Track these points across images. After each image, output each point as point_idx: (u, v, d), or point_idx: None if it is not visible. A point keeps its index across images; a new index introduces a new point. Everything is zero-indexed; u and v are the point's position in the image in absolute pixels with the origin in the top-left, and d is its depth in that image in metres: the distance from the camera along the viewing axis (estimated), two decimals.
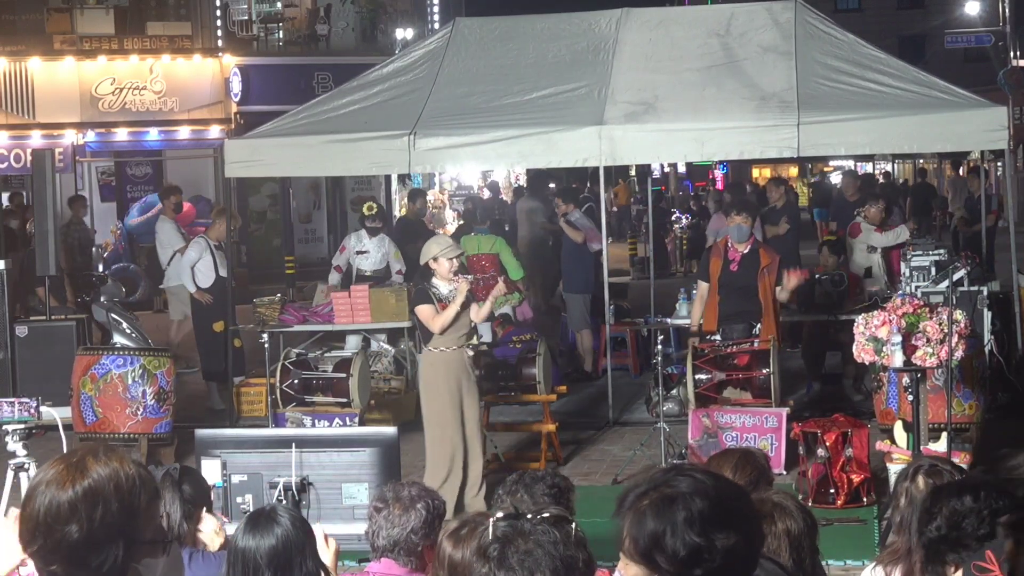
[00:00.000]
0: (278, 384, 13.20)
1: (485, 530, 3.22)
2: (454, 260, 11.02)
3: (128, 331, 13.29)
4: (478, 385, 11.32)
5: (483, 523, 4.67)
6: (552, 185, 28.63)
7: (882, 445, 10.71)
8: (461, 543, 4.58)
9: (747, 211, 13.24)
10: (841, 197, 20.11)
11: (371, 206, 16.60)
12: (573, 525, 3.17)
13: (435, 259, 11.06)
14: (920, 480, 5.19)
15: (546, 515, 3.18)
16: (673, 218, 29.93)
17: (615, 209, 37.62)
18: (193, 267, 15.60)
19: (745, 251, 12.87)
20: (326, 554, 4.70)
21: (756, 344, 12.60)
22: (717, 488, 3.10)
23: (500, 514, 3.23)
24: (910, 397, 10.03)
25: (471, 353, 11.21)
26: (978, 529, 4.35)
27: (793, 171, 47.04)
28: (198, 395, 16.03)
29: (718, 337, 12.85)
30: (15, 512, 3.37)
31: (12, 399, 8.32)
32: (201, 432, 10.56)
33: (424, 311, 11.03)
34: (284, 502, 9.71)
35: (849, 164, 49.66)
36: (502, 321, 15.35)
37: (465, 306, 11.01)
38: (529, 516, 3.17)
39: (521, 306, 16.45)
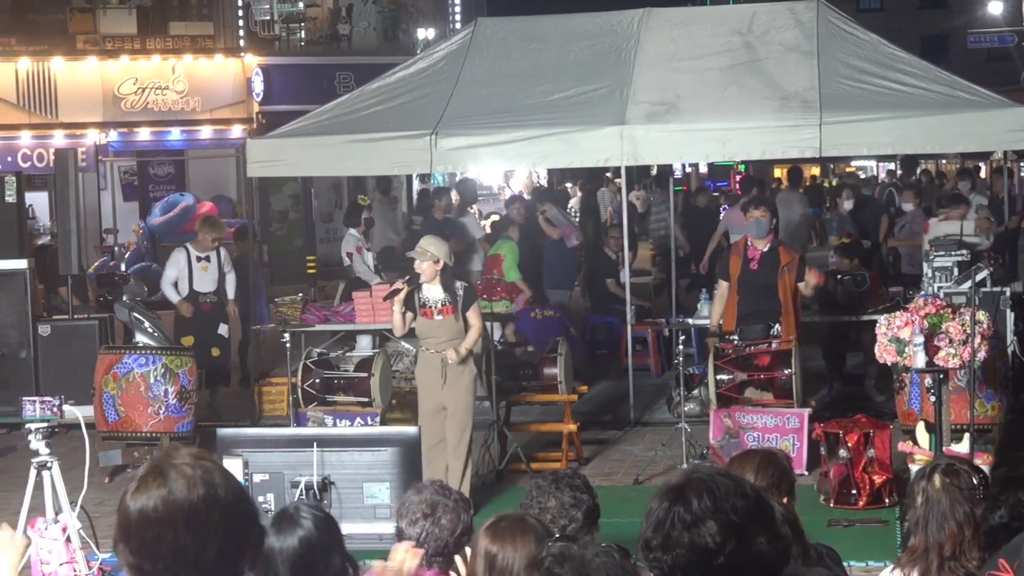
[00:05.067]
0: (299, 383, 13.21)
1: (540, 553, 3.20)
2: (416, 262, 11.06)
3: (150, 330, 13.31)
4: (467, 392, 11.07)
5: (522, 520, 4.66)
6: (568, 185, 28.55)
7: (904, 446, 10.68)
8: (499, 538, 4.57)
9: (765, 206, 13.20)
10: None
11: (365, 199, 16.91)
12: (633, 560, 3.14)
13: None
14: (936, 479, 5.17)
15: (604, 545, 3.15)
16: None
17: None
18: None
19: (765, 249, 12.83)
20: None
21: (778, 344, 12.58)
22: (721, 490, 3.11)
23: (557, 535, 3.22)
24: (932, 398, 10.00)
25: (451, 360, 10.95)
26: None
27: (815, 171, 46.92)
28: (221, 395, 16.06)
29: (736, 337, 12.82)
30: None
31: (35, 398, 8.36)
32: (223, 431, 10.58)
33: None
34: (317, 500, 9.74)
35: (871, 164, 49.55)
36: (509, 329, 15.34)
37: (391, 298, 11.03)
38: (582, 540, 3.16)
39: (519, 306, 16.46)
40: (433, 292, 11.00)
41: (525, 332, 15.48)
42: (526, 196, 29.98)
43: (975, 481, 5.13)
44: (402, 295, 10.95)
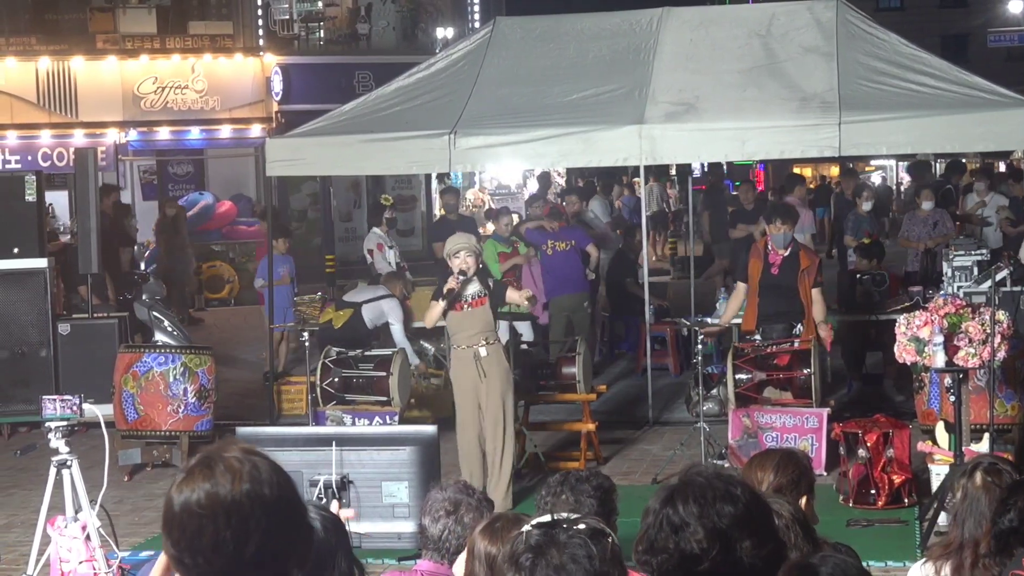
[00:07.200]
0: (318, 382, 13.23)
1: (519, 537, 3.14)
2: (458, 257, 11.02)
3: (170, 329, 13.35)
4: (502, 384, 11.10)
5: (517, 519, 4.65)
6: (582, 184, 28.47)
7: (923, 446, 10.66)
8: (497, 539, 4.56)
9: (788, 219, 13.12)
10: (842, 197, 20.74)
11: (388, 198, 16.89)
12: (611, 539, 3.10)
13: (446, 257, 11.22)
14: (978, 477, 5.18)
15: (582, 527, 3.09)
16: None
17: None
18: None
19: (785, 254, 12.79)
20: None
21: (796, 344, 12.56)
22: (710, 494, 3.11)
23: (535, 521, 3.17)
24: (952, 398, 9.98)
25: (484, 353, 11.02)
26: None
27: (834, 171, 46.86)
28: (239, 393, 16.09)
29: (758, 337, 12.79)
30: None
31: (55, 396, 8.39)
32: (242, 430, 10.63)
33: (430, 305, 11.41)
34: (323, 500, 9.75)
35: (890, 164, 49.42)
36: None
37: (453, 304, 11.01)
38: (565, 525, 3.10)
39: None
40: (467, 285, 11.03)
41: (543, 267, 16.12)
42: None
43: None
44: (456, 293, 11.01)
